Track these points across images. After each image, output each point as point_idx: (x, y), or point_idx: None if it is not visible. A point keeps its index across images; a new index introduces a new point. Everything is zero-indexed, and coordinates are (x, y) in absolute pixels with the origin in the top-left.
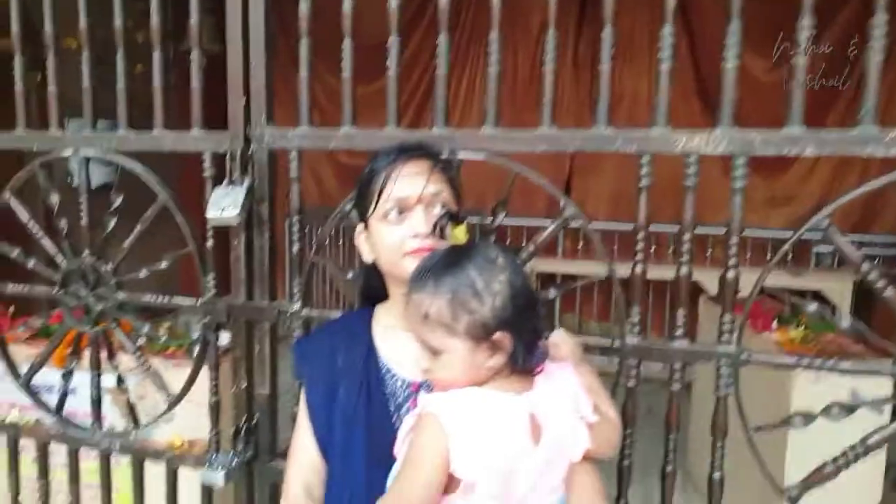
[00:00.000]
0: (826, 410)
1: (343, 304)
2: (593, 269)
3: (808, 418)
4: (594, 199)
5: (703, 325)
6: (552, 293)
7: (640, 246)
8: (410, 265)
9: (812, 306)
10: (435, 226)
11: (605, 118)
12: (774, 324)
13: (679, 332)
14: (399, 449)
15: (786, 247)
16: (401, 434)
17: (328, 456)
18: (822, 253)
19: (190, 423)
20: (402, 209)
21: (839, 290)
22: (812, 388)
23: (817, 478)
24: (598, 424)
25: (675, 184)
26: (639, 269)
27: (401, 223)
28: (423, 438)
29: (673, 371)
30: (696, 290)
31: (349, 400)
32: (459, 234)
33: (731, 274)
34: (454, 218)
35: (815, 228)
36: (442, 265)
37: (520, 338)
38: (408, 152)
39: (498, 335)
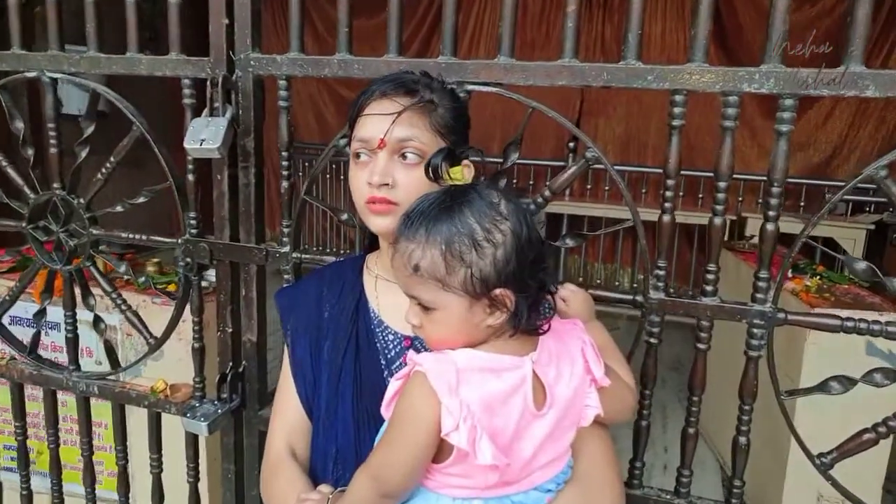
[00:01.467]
0: (868, 376)
1: (351, 249)
2: (602, 211)
3: (846, 382)
4: (602, 143)
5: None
6: (570, 242)
7: (669, 193)
8: (368, 215)
9: (861, 264)
10: (427, 165)
11: (636, 51)
12: (789, 273)
13: (709, 287)
14: (386, 409)
15: (837, 197)
16: (387, 395)
17: (313, 413)
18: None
19: (182, 362)
20: (367, 152)
21: (852, 237)
22: (826, 337)
23: (854, 445)
24: (610, 388)
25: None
26: (667, 217)
27: (365, 166)
28: (410, 400)
29: (701, 329)
30: (702, 236)
31: (336, 353)
32: (456, 175)
33: (770, 226)
34: (452, 156)
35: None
36: (436, 209)
37: (524, 294)
38: (391, 84)
39: (498, 291)
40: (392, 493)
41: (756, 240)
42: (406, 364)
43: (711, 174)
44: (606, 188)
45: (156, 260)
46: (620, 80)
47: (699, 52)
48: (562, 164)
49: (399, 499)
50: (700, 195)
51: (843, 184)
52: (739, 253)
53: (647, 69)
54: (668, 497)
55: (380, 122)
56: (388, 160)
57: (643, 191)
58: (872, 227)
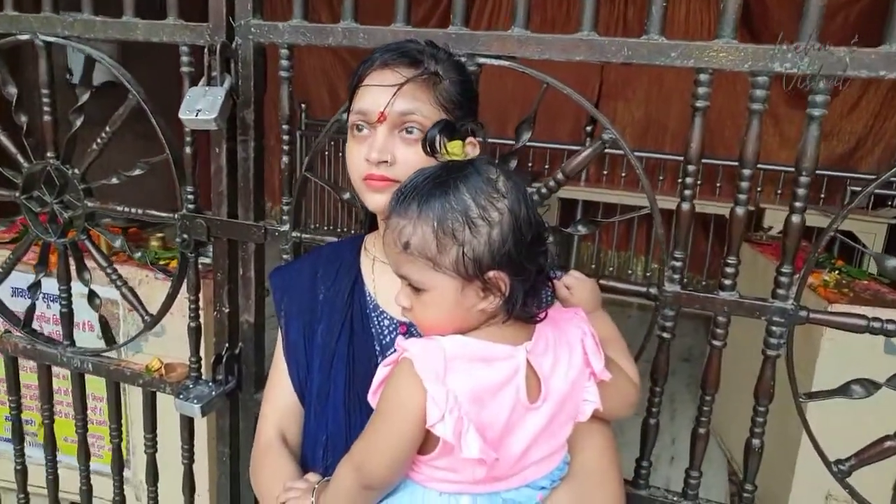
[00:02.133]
0: (893, 380)
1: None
2: (617, 198)
3: (869, 386)
4: (620, 127)
5: None
6: (582, 229)
7: (689, 179)
8: (365, 191)
9: (893, 262)
10: (424, 139)
11: (659, 25)
12: None
13: (727, 282)
14: (373, 397)
15: (871, 188)
16: (375, 382)
17: (305, 398)
18: (856, 192)
19: (184, 339)
20: (366, 125)
21: (872, 231)
22: (843, 333)
23: (875, 453)
24: (612, 382)
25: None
26: (686, 206)
27: (364, 140)
28: (395, 388)
29: (717, 325)
30: (722, 224)
31: (330, 337)
32: (454, 150)
33: (796, 218)
34: (450, 129)
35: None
36: (430, 185)
37: (520, 278)
38: (394, 53)
39: (493, 274)
40: (376, 485)
41: (774, 231)
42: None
43: (730, 162)
44: (623, 174)
45: (160, 235)
46: (642, 57)
47: (728, 27)
48: (579, 147)
49: (383, 491)
50: (718, 184)
51: (865, 176)
52: (757, 245)
53: (671, 45)
54: (675, 498)
55: (380, 93)
56: (388, 135)
57: (660, 178)
58: (894, 221)
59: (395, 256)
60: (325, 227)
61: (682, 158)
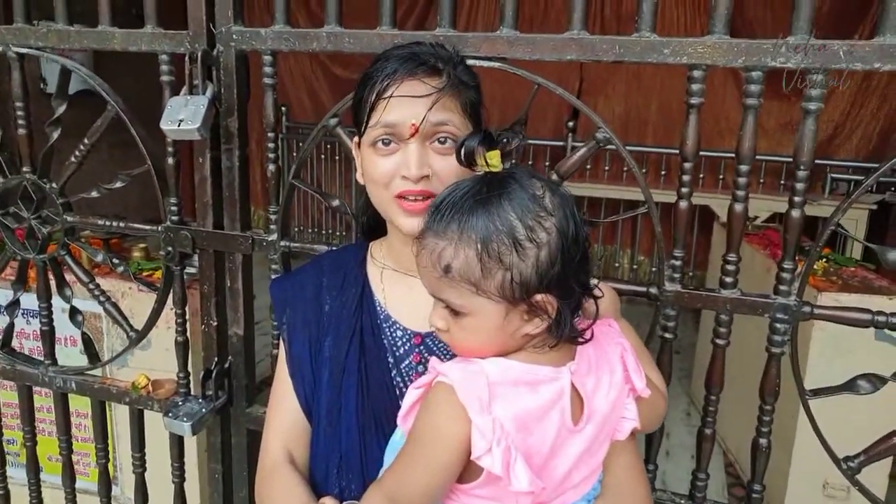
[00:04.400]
0: None
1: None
2: (602, 192)
3: (875, 381)
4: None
5: (717, 251)
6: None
7: (686, 177)
8: (398, 213)
9: (893, 253)
10: (460, 150)
11: (650, 22)
12: (795, 256)
13: (728, 279)
14: (403, 421)
15: (874, 178)
16: (405, 405)
17: (313, 417)
18: (837, 179)
19: (170, 352)
20: (394, 139)
21: (854, 218)
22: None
23: (883, 449)
24: (647, 398)
25: (679, 105)
26: (684, 203)
27: (390, 154)
28: (435, 416)
29: (720, 323)
30: (709, 216)
31: (338, 351)
32: (494, 161)
33: (796, 213)
34: (488, 139)
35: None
36: (471, 201)
37: (567, 300)
38: (413, 62)
39: (540, 297)
40: None
41: (759, 221)
42: (417, 362)
43: (710, 153)
44: (606, 168)
45: (142, 245)
46: (634, 55)
47: (720, 22)
48: (561, 143)
49: None
50: (701, 175)
51: (845, 163)
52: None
53: (664, 42)
54: (683, 501)
55: (412, 105)
56: (422, 148)
57: (643, 170)
58: (875, 206)
59: (433, 279)
60: (311, 231)
61: (664, 151)
